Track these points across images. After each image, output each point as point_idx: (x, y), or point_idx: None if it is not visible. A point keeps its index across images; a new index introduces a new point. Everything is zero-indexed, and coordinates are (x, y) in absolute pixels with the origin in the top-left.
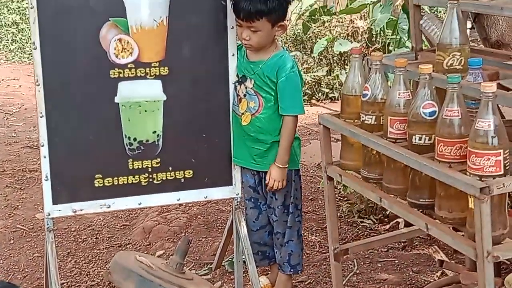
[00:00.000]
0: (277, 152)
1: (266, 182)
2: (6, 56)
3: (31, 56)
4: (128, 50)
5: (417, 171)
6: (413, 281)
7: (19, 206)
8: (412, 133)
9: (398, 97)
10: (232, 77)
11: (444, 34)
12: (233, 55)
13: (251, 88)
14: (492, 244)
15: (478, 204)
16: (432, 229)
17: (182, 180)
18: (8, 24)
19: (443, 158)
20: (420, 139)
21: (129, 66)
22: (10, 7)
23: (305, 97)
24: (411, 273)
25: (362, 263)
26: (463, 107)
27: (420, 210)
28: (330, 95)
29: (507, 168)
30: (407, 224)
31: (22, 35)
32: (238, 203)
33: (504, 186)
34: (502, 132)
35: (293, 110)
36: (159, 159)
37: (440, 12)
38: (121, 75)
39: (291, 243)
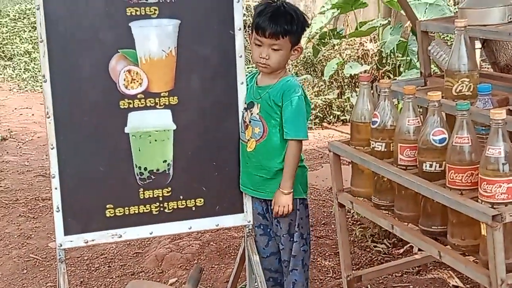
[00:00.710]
0: (280, 180)
1: (272, 208)
2: (19, 85)
3: None
4: (137, 81)
5: (429, 198)
6: None
7: (32, 235)
8: (423, 160)
9: (408, 124)
10: (241, 105)
11: (453, 61)
12: (242, 83)
13: (256, 114)
14: (506, 272)
15: (490, 231)
16: (445, 257)
17: (193, 209)
18: (21, 53)
19: (454, 185)
20: (430, 166)
21: (138, 96)
22: (23, 37)
23: (317, 120)
24: None
25: None
26: (473, 133)
27: (433, 237)
28: (342, 118)
29: None
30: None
31: (34, 64)
32: (250, 230)
33: None
34: None
35: (297, 134)
36: (170, 188)
37: (448, 36)
38: (131, 106)
39: (295, 272)
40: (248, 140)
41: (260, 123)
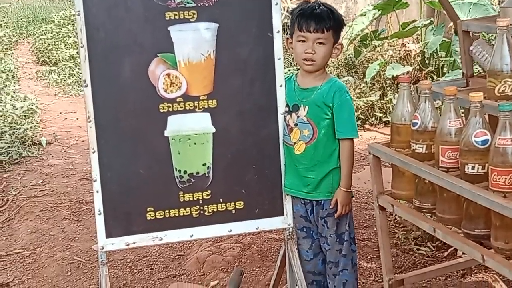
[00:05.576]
0: (331, 180)
1: (331, 206)
2: (64, 90)
3: None
4: (176, 85)
5: (471, 201)
6: None
7: (76, 238)
8: (465, 162)
9: (449, 126)
10: (281, 108)
11: (495, 61)
12: (281, 86)
13: (304, 116)
14: None
15: None
16: (489, 261)
17: (233, 212)
18: (66, 59)
19: (497, 187)
20: (473, 168)
21: (178, 100)
22: (67, 42)
23: (359, 122)
24: None
25: None
26: None
27: (476, 241)
28: (384, 120)
29: None
30: None
31: (79, 69)
32: (290, 233)
33: None
34: None
35: (351, 133)
36: (209, 191)
37: (489, 35)
38: (170, 109)
39: (346, 272)
40: (295, 143)
41: (308, 125)
